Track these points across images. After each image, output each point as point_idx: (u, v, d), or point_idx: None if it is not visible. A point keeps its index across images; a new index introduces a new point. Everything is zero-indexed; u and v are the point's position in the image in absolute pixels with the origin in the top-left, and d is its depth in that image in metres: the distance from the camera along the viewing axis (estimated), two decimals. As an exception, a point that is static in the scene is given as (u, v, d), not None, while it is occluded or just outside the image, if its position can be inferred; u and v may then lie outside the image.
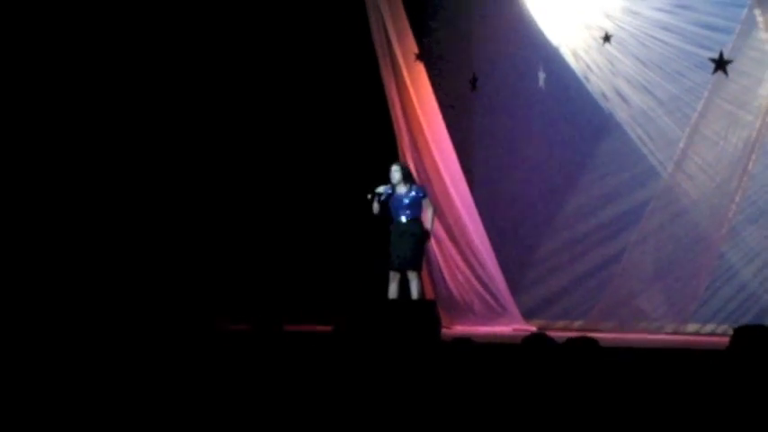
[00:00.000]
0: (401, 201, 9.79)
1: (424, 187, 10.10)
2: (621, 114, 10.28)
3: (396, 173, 9.84)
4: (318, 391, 4.57)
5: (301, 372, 4.80)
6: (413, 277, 9.76)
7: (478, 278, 10.70)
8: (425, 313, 8.71)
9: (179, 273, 10.67)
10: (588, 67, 10.43)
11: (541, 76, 10.73)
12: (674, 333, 9.69)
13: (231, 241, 11.10)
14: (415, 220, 9.78)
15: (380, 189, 9.73)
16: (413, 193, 9.81)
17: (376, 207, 9.67)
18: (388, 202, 9.76)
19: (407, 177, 9.90)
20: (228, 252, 11.06)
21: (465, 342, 4.74)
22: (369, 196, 9.67)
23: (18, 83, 10.37)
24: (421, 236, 9.78)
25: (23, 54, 10.38)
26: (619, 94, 10.27)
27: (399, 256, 9.75)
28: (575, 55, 10.48)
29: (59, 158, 10.52)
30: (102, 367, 5.00)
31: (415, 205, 9.80)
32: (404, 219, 9.75)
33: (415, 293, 9.68)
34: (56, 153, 10.52)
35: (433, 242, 10.52)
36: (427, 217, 9.83)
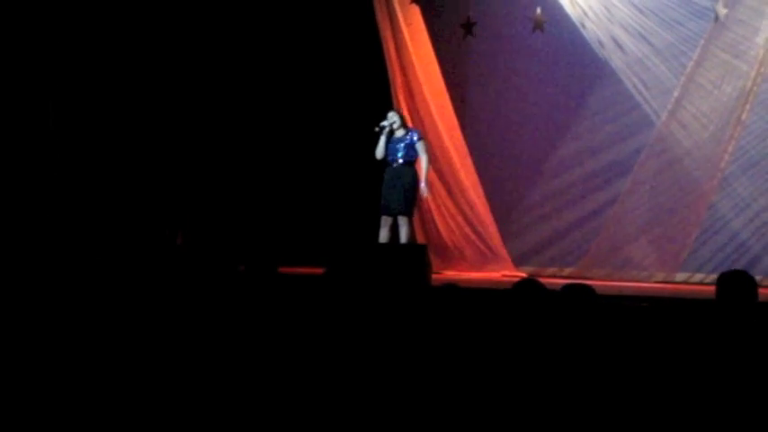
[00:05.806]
0: (397, 144, 9.79)
1: (419, 131, 10.06)
2: (617, 62, 10.22)
3: (395, 117, 9.85)
4: (310, 332, 4.59)
5: (293, 314, 4.83)
6: (403, 223, 9.78)
7: (470, 224, 10.73)
8: (416, 257, 8.76)
9: (177, 215, 10.74)
10: (584, 13, 10.33)
11: (544, 19, 10.55)
12: (664, 282, 9.74)
13: (228, 184, 11.12)
14: (409, 164, 9.77)
15: (384, 123, 9.76)
16: (409, 136, 9.80)
17: (381, 145, 9.69)
18: (388, 145, 9.78)
19: (404, 124, 9.91)
20: (225, 195, 11.09)
21: (453, 287, 4.75)
22: (376, 129, 9.70)
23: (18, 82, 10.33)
24: (413, 182, 9.77)
25: (23, 53, 10.33)
26: (615, 41, 10.21)
27: (391, 201, 9.76)
28: (571, 1, 10.39)
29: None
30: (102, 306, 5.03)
31: (410, 149, 9.79)
32: (397, 162, 9.76)
33: (404, 239, 9.72)
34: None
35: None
36: (422, 165, 9.82)
